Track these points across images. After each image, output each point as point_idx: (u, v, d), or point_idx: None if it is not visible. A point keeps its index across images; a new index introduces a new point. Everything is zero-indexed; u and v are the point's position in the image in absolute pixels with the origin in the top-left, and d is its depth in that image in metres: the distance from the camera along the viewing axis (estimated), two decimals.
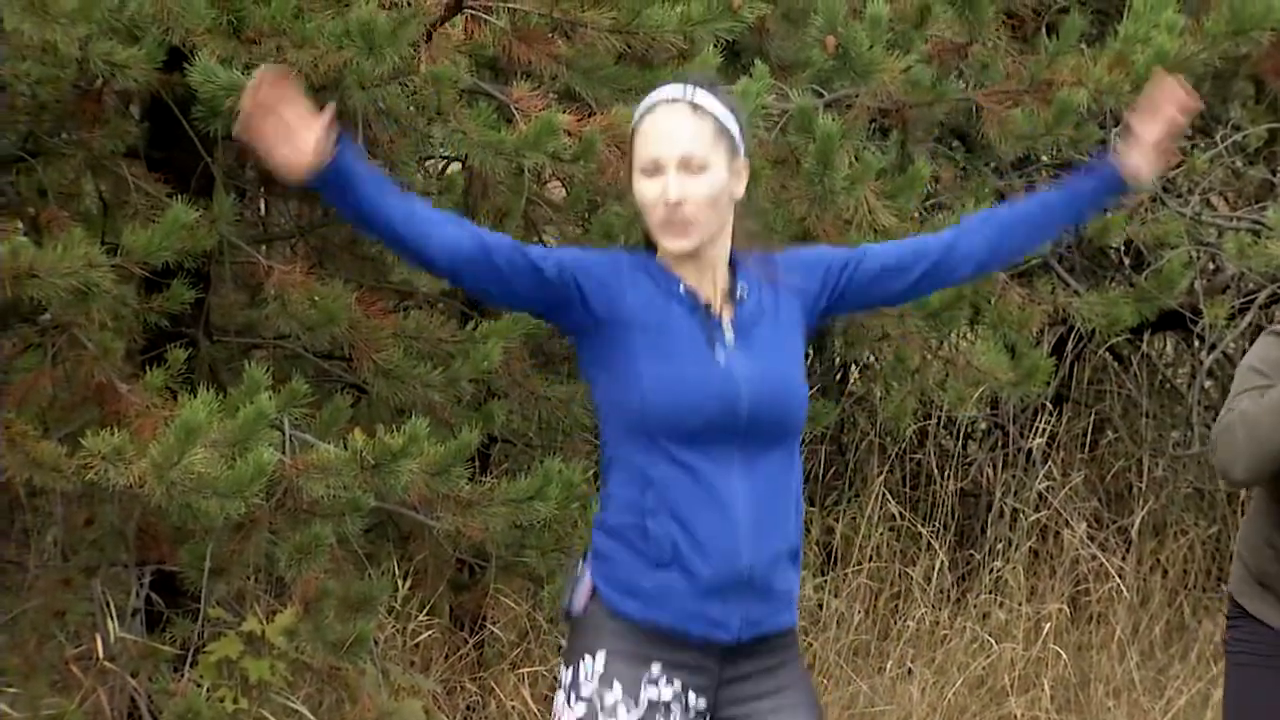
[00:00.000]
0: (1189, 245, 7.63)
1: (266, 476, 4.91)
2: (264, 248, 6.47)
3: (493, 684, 6.69)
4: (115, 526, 5.86)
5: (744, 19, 5.20)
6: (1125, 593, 7.55)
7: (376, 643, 6.06)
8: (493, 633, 6.92)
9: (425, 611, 6.69)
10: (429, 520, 5.58)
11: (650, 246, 3.71)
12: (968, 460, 8.16)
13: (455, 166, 6.17)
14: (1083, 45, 6.11)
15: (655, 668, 3.61)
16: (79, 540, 6.02)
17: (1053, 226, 3.94)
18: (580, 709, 3.62)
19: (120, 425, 5.01)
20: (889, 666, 7.09)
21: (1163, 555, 7.96)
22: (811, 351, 8.19)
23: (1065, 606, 7.43)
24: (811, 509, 7.59)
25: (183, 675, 5.76)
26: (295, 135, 3.45)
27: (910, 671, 7.09)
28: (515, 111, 5.22)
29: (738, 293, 3.68)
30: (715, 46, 5.29)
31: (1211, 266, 8.44)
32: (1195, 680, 7.24)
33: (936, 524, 7.69)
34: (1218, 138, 8.05)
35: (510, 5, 5.14)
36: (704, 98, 3.66)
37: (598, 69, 5.25)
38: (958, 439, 8.13)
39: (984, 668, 7.10)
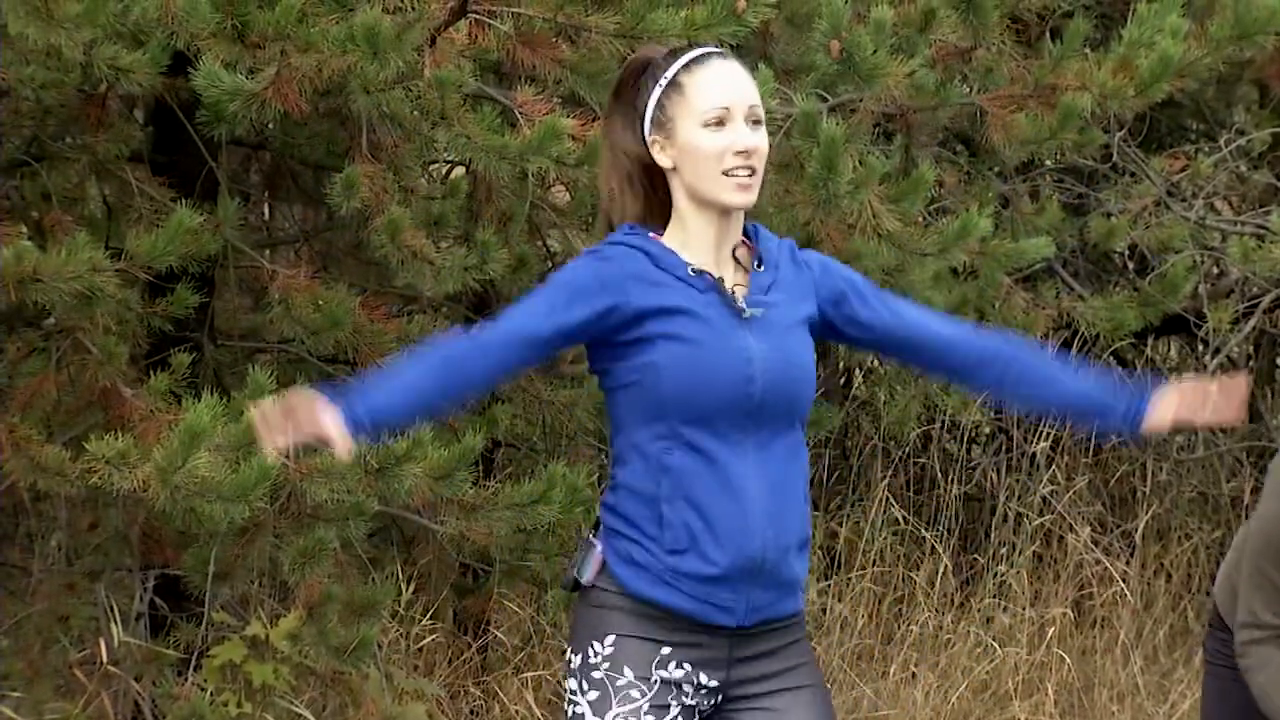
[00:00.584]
0: (1193, 249, 7.62)
1: (270, 481, 4.91)
2: (268, 252, 6.49)
3: (496, 688, 6.68)
4: (119, 531, 5.87)
5: (748, 23, 5.19)
6: (1129, 597, 7.54)
7: (380, 647, 6.06)
8: (496, 637, 6.91)
9: (429, 616, 6.68)
10: (433, 524, 5.58)
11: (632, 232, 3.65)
12: (971, 464, 8.15)
13: (459, 171, 6.16)
14: (1087, 50, 6.11)
15: (665, 649, 3.61)
16: (83, 544, 6.03)
17: (1052, 405, 3.76)
18: (593, 694, 3.61)
19: (124, 429, 5.01)
20: (893, 671, 7.08)
21: (1167, 560, 7.95)
22: (816, 356, 8.17)
23: (1069, 611, 7.42)
24: (815, 513, 7.58)
25: (186, 679, 5.76)
26: (314, 429, 3.43)
27: (914, 676, 7.08)
28: (519, 116, 5.23)
29: (756, 264, 3.64)
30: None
31: (1216, 271, 8.43)
32: (1199, 685, 7.22)
33: (940, 528, 7.68)
34: (1222, 142, 8.04)
35: (514, 10, 5.14)
36: None
37: (602, 73, 5.25)
38: (961, 443, 8.12)
39: (988, 672, 7.09)
